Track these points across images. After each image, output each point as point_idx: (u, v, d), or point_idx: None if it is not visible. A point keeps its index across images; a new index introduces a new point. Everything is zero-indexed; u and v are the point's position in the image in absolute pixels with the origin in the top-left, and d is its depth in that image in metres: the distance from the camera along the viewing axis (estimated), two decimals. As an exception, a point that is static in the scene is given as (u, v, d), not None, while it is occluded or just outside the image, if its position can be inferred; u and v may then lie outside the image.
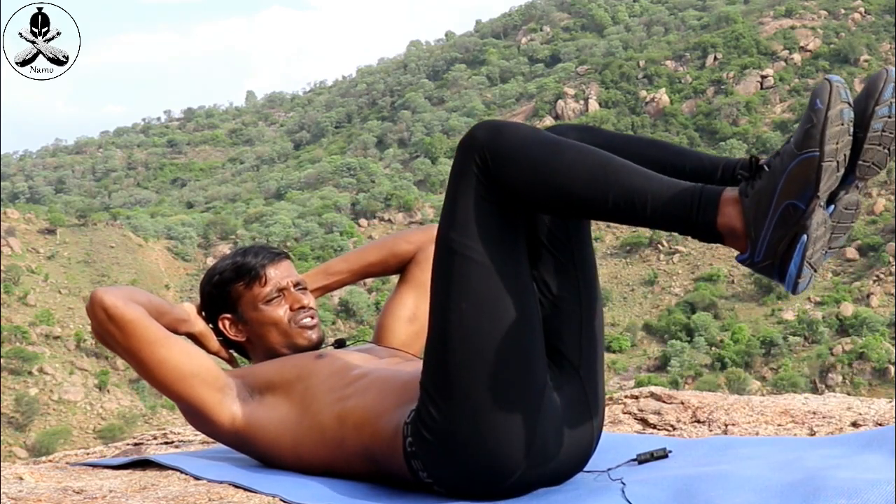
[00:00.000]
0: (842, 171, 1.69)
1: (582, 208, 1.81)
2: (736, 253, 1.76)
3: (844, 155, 1.68)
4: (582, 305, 1.96)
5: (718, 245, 1.79)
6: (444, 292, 1.85)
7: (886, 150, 1.72)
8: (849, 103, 1.67)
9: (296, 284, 2.33)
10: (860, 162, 1.71)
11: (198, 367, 2.12)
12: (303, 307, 2.30)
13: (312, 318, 2.32)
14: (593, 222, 2.00)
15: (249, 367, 2.25)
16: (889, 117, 1.70)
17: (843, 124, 1.66)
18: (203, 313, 2.34)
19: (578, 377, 1.94)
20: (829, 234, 1.72)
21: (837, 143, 1.66)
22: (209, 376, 2.12)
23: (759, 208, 1.71)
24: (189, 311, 2.31)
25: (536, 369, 1.85)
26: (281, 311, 2.29)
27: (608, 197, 1.76)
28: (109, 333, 2.09)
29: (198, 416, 2.15)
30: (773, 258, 1.70)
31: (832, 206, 1.73)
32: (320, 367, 2.14)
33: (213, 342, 2.32)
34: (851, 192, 1.75)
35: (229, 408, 2.12)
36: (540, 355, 1.86)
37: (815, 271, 1.72)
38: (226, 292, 2.30)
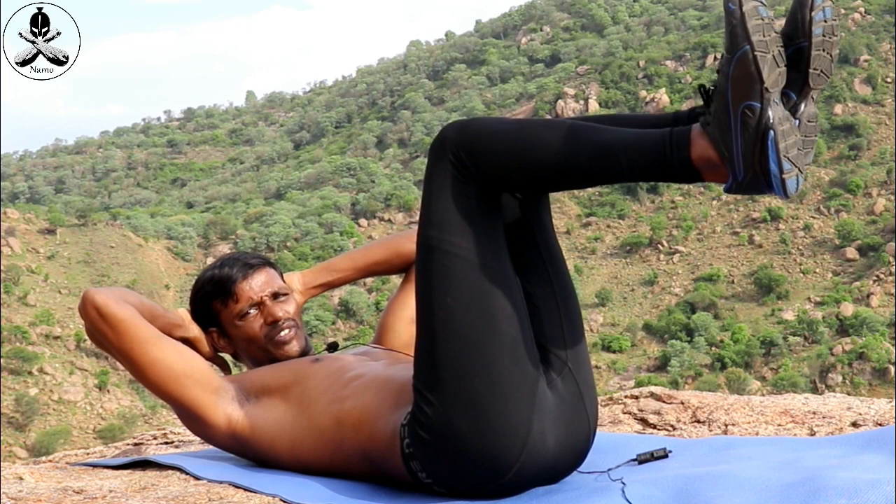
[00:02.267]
0: (783, 66, 1.71)
1: (561, 175, 1.82)
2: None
3: (779, 50, 1.71)
4: (558, 299, 1.96)
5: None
6: (428, 290, 1.86)
7: (830, 56, 1.76)
8: (762, 2, 1.70)
9: (273, 295, 2.28)
10: (811, 70, 1.74)
11: (191, 367, 2.11)
12: (276, 321, 2.26)
13: (290, 329, 2.27)
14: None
15: (245, 372, 2.24)
16: (826, 21, 1.74)
17: (762, 19, 1.69)
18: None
19: (568, 369, 1.93)
20: (797, 135, 1.73)
21: (764, 36, 1.69)
22: (203, 378, 2.12)
23: (722, 126, 1.73)
24: (184, 316, 2.31)
25: (527, 359, 1.85)
26: (256, 327, 2.26)
27: (583, 157, 1.78)
28: (102, 333, 2.08)
29: (193, 419, 2.14)
30: (753, 167, 1.71)
31: (797, 121, 1.75)
32: (317, 369, 2.13)
33: (207, 349, 2.31)
34: (809, 104, 1.78)
35: (224, 410, 2.12)
36: (530, 345, 1.87)
37: (801, 172, 1.73)
38: (207, 308, 2.30)
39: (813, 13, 1.73)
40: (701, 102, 1.85)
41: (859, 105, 79.57)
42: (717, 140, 1.73)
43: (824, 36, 1.74)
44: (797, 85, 1.76)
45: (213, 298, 2.28)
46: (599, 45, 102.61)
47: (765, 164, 1.69)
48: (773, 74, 1.70)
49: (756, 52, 1.68)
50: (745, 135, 1.70)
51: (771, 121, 1.69)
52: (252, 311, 2.27)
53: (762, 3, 1.70)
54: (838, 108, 78.58)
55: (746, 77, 1.69)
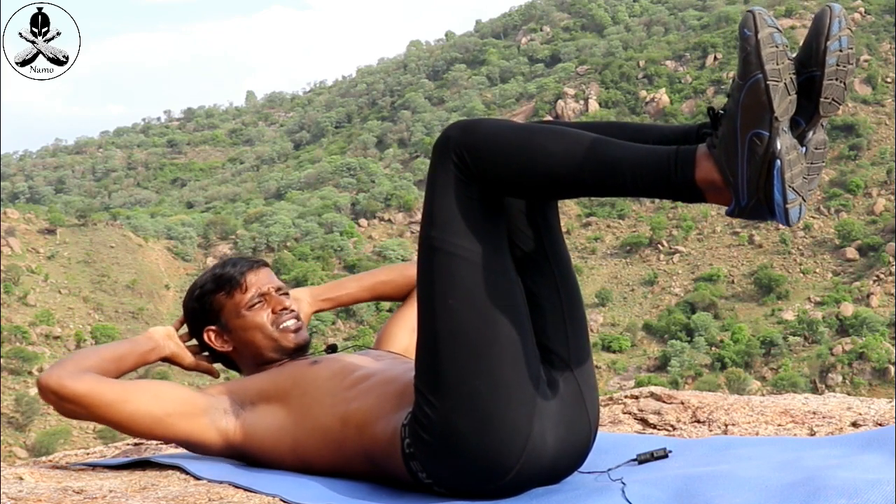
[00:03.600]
0: (794, 94, 1.71)
1: (563, 186, 1.83)
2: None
3: (791, 78, 1.70)
4: (562, 299, 1.96)
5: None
6: (430, 290, 1.86)
7: (843, 84, 1.75)
8: (777, 28, 1.70)
9: (277, 289, 2.33)
10: (822, 99, 1.74)
11: (169, 404, 2.12)
12: (285, 308, 2.30)
13: (296, 319, 2.31)
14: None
15: (239, 381, 2.24)
16: (841, 51, 1.73)
17: (776, 46, 1.69)
18: (187, 329, 2.37)
19: (570, 370, 1.94)
20: (803, 163, 1.73)
21: (777, 64, 1.68)
22: (186, 408, 2.13)
23: (729, 151, 1.72)
24: (154, 335, 2.31)
25: (528, 361, 1.85)
26: (264, 315, 2.29)
27: (587, 170, 1.78)
28: (72, 411, 2.10)
29: (190, 446, 2.17)
30: (757, 194, 1.71)
31: (804, 148, 1.75)
32: (316, 371, 2.13)
33: (188, 359, 2.33)
34: (818, 131, 1.78)
35: (217, 427, 2.13)
36: (531, 347, 1.87)
37: (804, 200, 1.73)
38: (208, 304, 2.31)
39: (828, 43, 1.72)
40: (706, 120, 1.84)
41: (859, 105, 79.56)
42: (722, 164, 1.73)
43: (838, 65, 1.73)
44: (807, 112, 1.75)
45: (217, 292, 2.30)
46: (599, 45, 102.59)
47: (769, 192, 1.69)
48: (784, 103, 1.69)
49: (769, 81, 1.67)
50: (752, 162, 1.70)
51: (778, 150, 1.68)
52: (259, 300, 2.30)
53: (777, 28, 1.70)
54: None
55: (757, 105, 1.69)
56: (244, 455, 2.15)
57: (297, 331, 2.30)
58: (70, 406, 2.08)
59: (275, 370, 2.22)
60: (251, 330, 2.28)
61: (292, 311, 2.32)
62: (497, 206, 1.88)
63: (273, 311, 2.29)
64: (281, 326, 2.28)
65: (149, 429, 2.11)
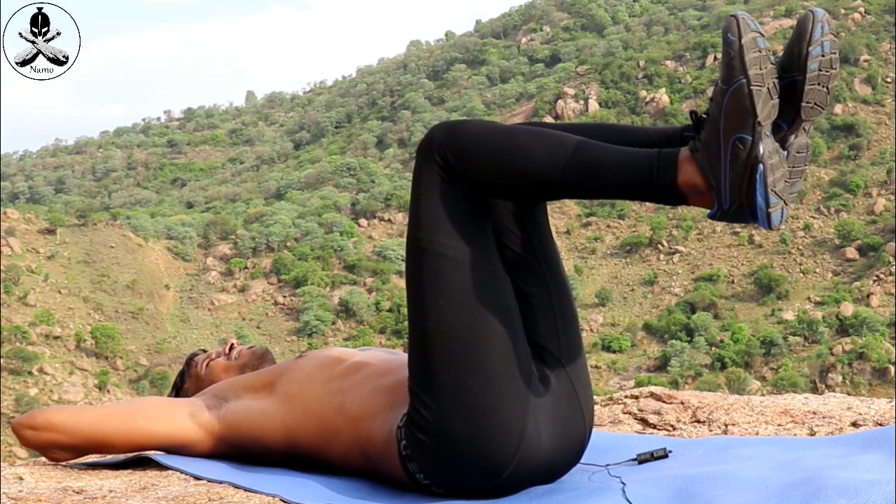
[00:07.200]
0: (776, 98, 1.72)
1: (546, 188, 1.83)
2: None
3: (773, 82, 1.71)
4: (552, 296, 1.97)
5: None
6: (419, 292, 1.87)
7: (825, 89, 1.76)
8: (760, 33, 1.71)
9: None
10: (804, 104, 1.75)
11: (147, 410, 2.20)
12: (231, 346, 2.48)
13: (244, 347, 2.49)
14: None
15: (224, 381, 2.30)
16: (823, 56, 1.74)
17: (759, 51, 1.70)
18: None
19: (562, 367, 1.94)
20: (785, 167, 1.73)
21: (761, 69, 1.69)
22: (163, 410, 2.21)
23: (711, 155, 1.73)
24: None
25: (520, 358, 1.86)
26: (220, 362, 2.46)
27: (569, 173, 1.79)
28: (50, 441, 2.17)
29: (176, 449, 2.20)
30: (740, 198, 1.72)
31: (786, 152, 1.76)
32: (302, 363, 2.18)
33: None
34: (801, 135, 1.79)
35: (199, 421, 2.17)
36: (522, 344, 1.87)
37: (787, 204, 1.74)
38: (180, 396, 2.47)
39: (810, 48, 1.73)
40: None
41: (859, 105, 79.52)
42: (704, 168, 1.74)
43: (820, 70, 1.74)
44: (789, 116, 1.76)
45: (180, 384, 2.49)
46: (599, 45, 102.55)
47: (752, 196, 1.71)
48: (767, 108, 1.70)
49: (752, 86, 1.68)
50: (735, 166, 1.71)
51: (761, 154, 1.69)
52: (205, 358, 2.50)
53: (760, 33, 1.71)
54: (838, 108, 78.53)
55: (740, 110, 1.70)
56: (232, 445, 2.16)
57: (250, 349, 2.47)
58: (47, 435, 2.15)
59: (260, 370, 2.27)
60: (219, 374, 2.43)
61: (236, 346, 2.50)
62: (483, 206, 1.88)
63: (223, 353, 2.47)
64: (237, 353, 2.46)
65: (131, 439, 2.16)
